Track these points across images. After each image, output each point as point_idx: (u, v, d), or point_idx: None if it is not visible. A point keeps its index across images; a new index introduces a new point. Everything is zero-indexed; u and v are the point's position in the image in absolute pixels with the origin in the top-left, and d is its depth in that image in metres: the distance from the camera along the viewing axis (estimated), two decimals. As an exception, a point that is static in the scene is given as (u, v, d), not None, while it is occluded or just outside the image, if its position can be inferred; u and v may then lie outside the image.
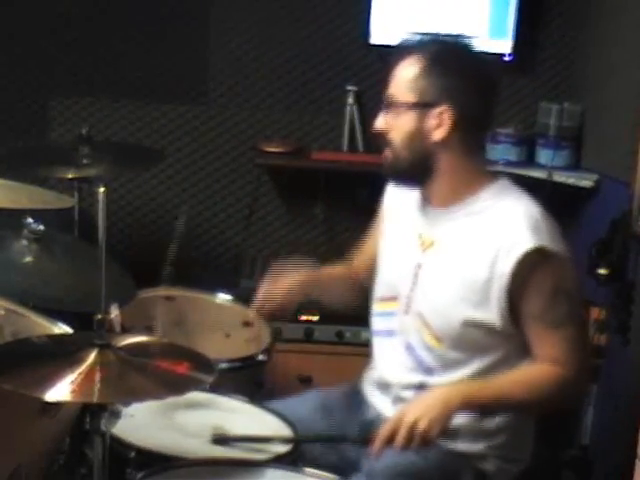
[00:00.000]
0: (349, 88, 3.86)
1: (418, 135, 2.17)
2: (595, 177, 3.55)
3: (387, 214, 2.42)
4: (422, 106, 2.16)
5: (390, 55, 2.25)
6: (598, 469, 3.19)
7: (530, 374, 2.15)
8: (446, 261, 2.20)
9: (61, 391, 1.70)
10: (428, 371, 2.22)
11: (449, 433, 2.10)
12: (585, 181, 3.57)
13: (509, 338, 2.16)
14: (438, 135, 2.16)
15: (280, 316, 2.56)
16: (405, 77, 2.18)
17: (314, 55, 3.91)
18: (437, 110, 2.15)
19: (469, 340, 2.17)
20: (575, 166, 3.73)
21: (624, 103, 3.33)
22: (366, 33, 3.80)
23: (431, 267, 2.23)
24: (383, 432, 2.05)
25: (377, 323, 2.37)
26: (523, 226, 2.12)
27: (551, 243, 2.12)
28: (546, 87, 3.91)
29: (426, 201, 2.27)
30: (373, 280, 2.40)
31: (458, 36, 2.27)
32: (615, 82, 3.48)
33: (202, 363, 1.91)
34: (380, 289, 2.36)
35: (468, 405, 2.08)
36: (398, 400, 2.27)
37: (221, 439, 2.09)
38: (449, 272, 2.18)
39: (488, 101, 2.24)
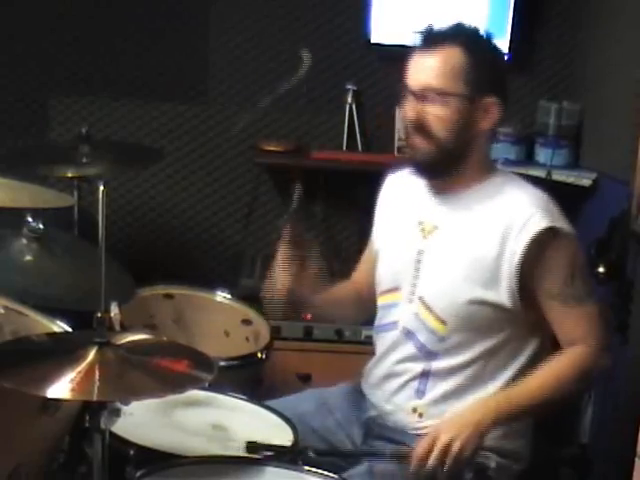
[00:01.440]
0: (349, 87, 3.87)
1: (466, 125, 2.17)
2: (594, 176, 3.55)
3: (382, 211, 2.42)
4: (474, 96, 2.15)
5: (420, 43, 2.21)
6: (597, 467, 3.20)
7: (557, 368, 2.15)
8: (451, 243, 2.20)
9: (61, 389, 1.70)
10: (430, 356, 2.22)
11: (481, 451, 2.11)
12: (584, 180, 3.57)
13: (515, 318, 2.17)
14: (485, 125, 2.18)
15: (287, 307, 2.55)
16: (451, 67, 2.15)
17: (314, 54, 3.91)
18: (486, 101, 2.16)
19: (474, 320, 2.17)
20: (574, 165, 3.73)
21: (623, 102, 3.33)
22: (366, 32, 3.80)
23: (434, 251, 2.23)
24: (418, 451, 2.06)
25: (380, 317, 2.37)
26: (533, 206, 2.14)
27: (562, 223, 2.15)
28: (545, 86, 3.91)
29: (432, 188, 2.27)
30: (374, 276, 2.40)
31: (478, 28, 2.27)
32: (614, 81, 3.48)
33: (202, 361, 1.92)
34: (382, 282, 2.36)
35: (501, 421, 2.11)
36: (399, 389, 2.27)
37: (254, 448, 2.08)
38: (454, 254, 2.19)
39: (507, 90, 2.26)
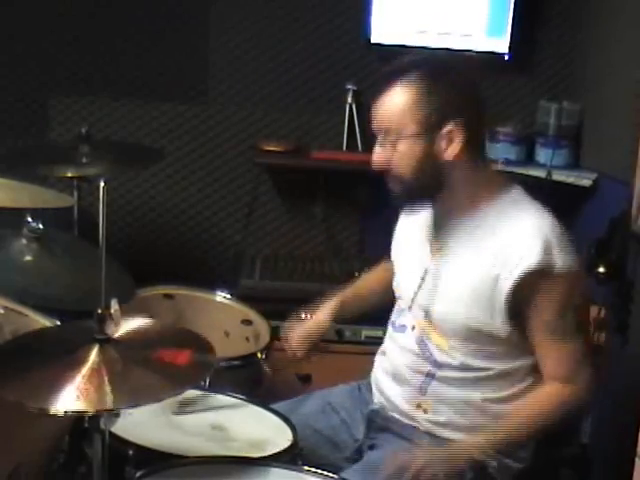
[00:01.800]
0: (349, 87, 3.87)
1: (429, 159, 2.12)
2: (594, 176, 3.55)
3: (401, 221, 2.43)
4: (428, 131, 2.10)
5: (379, 84, 2.18)
6: (598, 468, 3.20)
7: (538, 402, 2.16)
8: (452, 268, 2.19)
9: (66, 400, 1.68)
10: (437, 365, 2.22)
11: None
12: (584, 180, 3.57)
13: (515, 346, 2.17)
14: (450, 153, 2.12)
15: (315, 351, 2.57)
16: (400, 107, 2.11)
17: (314, 54, 3.92)
18: (445, 130, 2.10)
19: (474, 343, 2.17)
20: (574, 165, 3.73)
21: (623, 102, 3.33)
22: (366, 32, 3.80)
23: (437, 272, 2.22)
24: (390, 467, 2.07)
25: (394, 315, 2.39)
26: (532, 241, 2.09)
27: (559, 260, 2.09)
28: (545, 86, 3.91)
29: (438, 211, 2.25)
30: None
31: (430, 52, 2.24)
32: (614, 81, 3.48)
33: (202, 345, 1.91)
34: (396, 288, 2.38)
35: (478, 458, 2.13)
36: (404, 386, 2.28)
37: None
38: (454, 278, 2.18)
39: (481, 104, 2.21)
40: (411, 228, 2.35)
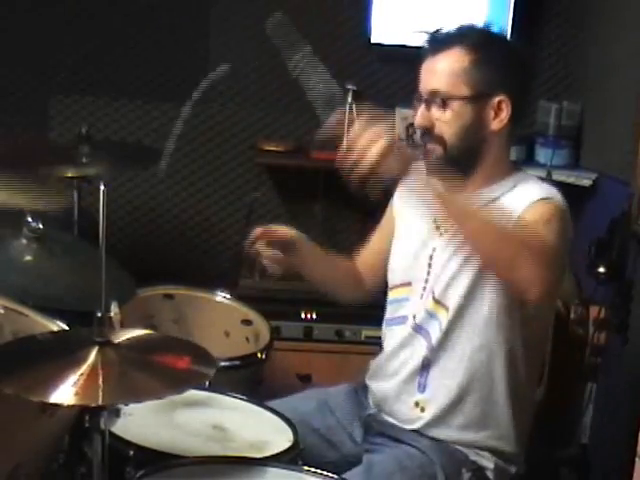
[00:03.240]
0: (349, 87, 3.86)
1: (475, 126, 2.15)
2: (594, 176, 3.55)
3: (398, 205, 2.42)
4: (479, 98, 2.13)
5: (424, 49, 2.19)
6: (597, 468, 3.20)
7: (505, 225, 2.04)
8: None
9: (64, 394, 1.69)
10: (433, 348, 2.21)
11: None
12: (584, 180, 3.57)
13: (512, 314, 2.16)
14: (497, 125, 2.15)
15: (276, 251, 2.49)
16: (455, 70, 2.13)
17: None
18: (495, 100, 2.14)
19: (474, 309, 2.17)
20: (574, 165, 3.74)
21: (623, 102, 3.33)
22: (366, 32, 3.80)
23: (445, 249, 2.22)
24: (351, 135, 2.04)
25: (391, 310, 2.37)
26: (539, 194, 2.13)
27: (561, 200, 2.13)
28: (545, 86, 3.91)
29: (445, 187, 2.25)
30: (377, 283, 2.41)
31: (487, 25, 2.25)
32: (614, 81, 3.48)
33: (202, 355, 1.91)
34: (394, 276, 2.36)
35: (440, 198, 2.01)
36: (403, 385, 2.27)
37: None
38: (463, 251, 2.16)
39: (529, 85, 2.26)
40: (411, 207, 2.33)
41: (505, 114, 2.15)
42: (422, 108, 2.18)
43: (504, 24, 3.75)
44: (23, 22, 3.84)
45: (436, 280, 2.23)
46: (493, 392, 2.21)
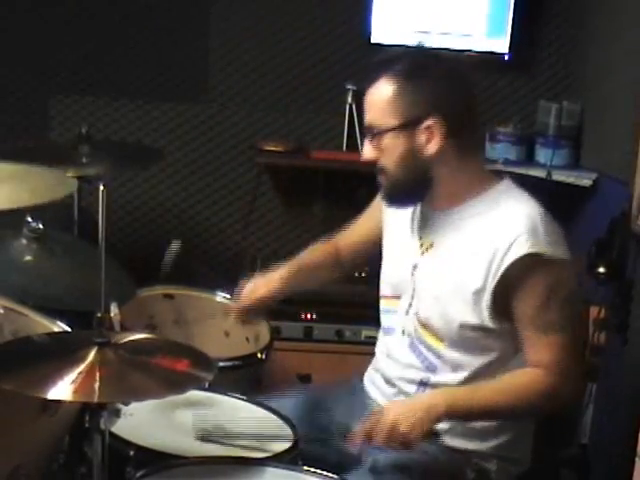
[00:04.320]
0: (349, 87, 3.87)
1: (411, 155, 2.12)
2: (594, 176, 3.55)
3: (388, 212, 2.42)
4: (408, 125, 2.10)
5: (362, 81, 2.20)
6: (597, 468, 3.20)
7: (516, 382, 2.12)
8: (442, 264, 2.19)
9: (62, 390, 1.70)
10: (431, 369, 2.22)
11: (433, 437, 2.09)
12: (584, 180, 3.57)
13: (507, 336, 2.15)
14: (432, 149, 2.11)
15: (257, 314, 2.62)
16: (381, 100, 2.11)
17: (314, 54, 3.92)
18: (424, 125, 2.09)
19: (467, 342, 2.16)
20: (574, 165, 3.74)
21: (623, 102, 3.33)
22: (366, 32, 3.80)
23: (427, 269, 2.22)
24: (363, 428, 2.04)
25: (382, 319, 2.37)
26: (521, 230, 2.08)
27: (549, 248, 2.08)
28: (545, 86, 3.91)
29: (426, 205, 2.25)
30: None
31: (418, 46, 2.24)
32: (614, 81, 3.48)
33: (202, 360, 1.92)
34: (384, 287, 2.36)
35: (452, 413, 2.07)
36: (399, 395, 2.27)
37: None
38: (445, 275, 2.17)
39: (469, 101, 2.19)
40: (399, 219, 2.34)
41: (438, 137, 2.10)
42: (366, 142, 2.18)
43: (504, 24, 3.76)
44: (23, 22, 3.84)
45: (423, 303, 2.22)
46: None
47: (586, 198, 3.58)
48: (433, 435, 2.08)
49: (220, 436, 2.12)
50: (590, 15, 3.76)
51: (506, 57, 3.78)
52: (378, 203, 2.44)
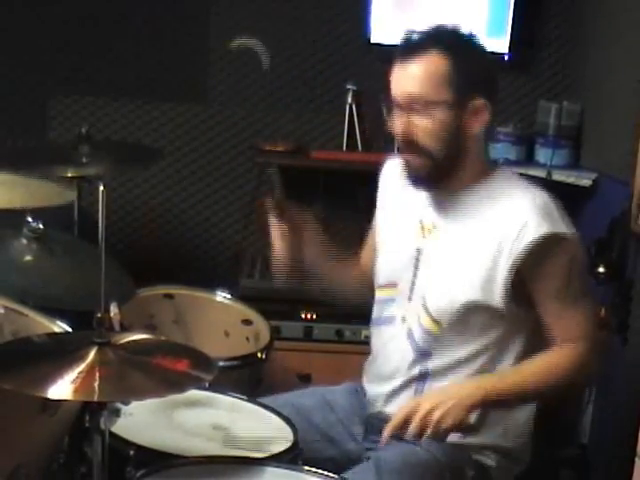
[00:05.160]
0: (349, 87, 3.87)
1: (457, 132, 2.12)
2: (594, 176, 3.55)
3: (384, 204, 2.41)
4: (462, 102, 2.10)
5: (399, 53, 2.14)
6: (597, 468, 3.20)
7: (550, 361, 2.14)
8: (449, 245, 2.19)
9: (62, 389, 1.70)
10: (426, 356, 2.21)
11: (467, 428, 2.09)
12: (584, 180, 3.57)
13: (508, 319, 2.16)
14: (476, 128, 2.13)
15: (301, 274, 2.43)
16: (435, 74, 2.09)
17: (314, 54, 3.92)
18: (474, 103, 2.11)
19: (467, 322, 2.16)
20: (574, 165, 3.73)
21: (623, 102, 3.33)
22: (366, 32, 3.80)
23: (432, 252, 2.22)
24: (397, 417, 2.04)
25: (377, 310, 2.36)
26: (534, 211, 2.11)
27: (562, 227, 2.11)
28: (545, 86, 3.91)
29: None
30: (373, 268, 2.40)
31: (458, 28, 2.22)
32: (614, 81, 3.48)
33: (202, 360, 1.92)
34: (381, 276, 2.35)
35: (487, 401, 2.08)
36: (399, 391, 2.27)
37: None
38: (452, 256, 2.18)
39: (498, 86, 2.24)
40: (396, 206, 2.34)
41: (485, 117, 2.13)
42: (402, 116, 2.13)
43: (504, 24, 3.76)
44: (23, 22, 3.84)
45: (425, 285, 2.22)
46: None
47: (586, 198, 3.58)
48: (468, 427, 2.08)
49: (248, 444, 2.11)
50: (590, 15, 3.76)
51: (506, 57, 3.78)
52: (379, 203, 2.44)
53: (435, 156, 2.13)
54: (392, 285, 2.30)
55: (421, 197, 2.26)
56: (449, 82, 2.09)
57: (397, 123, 2.14)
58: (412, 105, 2.11)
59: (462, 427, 2.05)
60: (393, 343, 2.28)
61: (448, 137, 2.12)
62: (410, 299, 2.25)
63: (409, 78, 2.11)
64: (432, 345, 2.21)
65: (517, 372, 2.15)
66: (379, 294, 2.36)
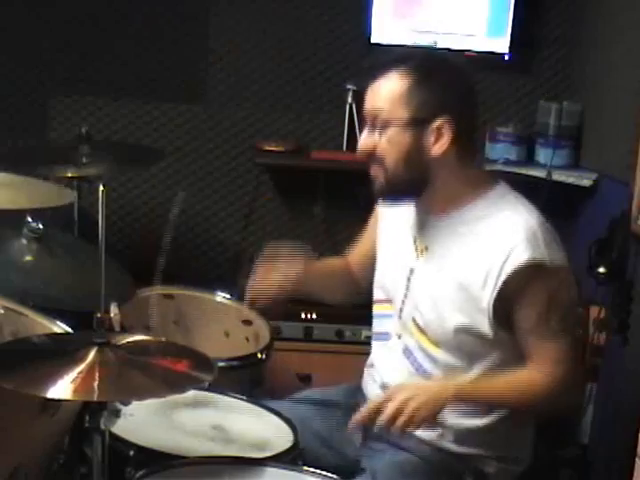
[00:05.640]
0: (349, 87, 3.86)
1: (416, 152, 2.10)
2: (594, 176, 3.55)
3: (383, 215, 2.41)
4: (418, 122, 2.08)
5: (367, 71, 2.17)
6: (598, 468, 3.20)
7: (521, 378, 2.13)
8: (439, 268, 2.17)
9: (62, 389, 1.70)
10: (425, 375, 2.21)
11: (435, 425, 2.09)
12: (584, 180, 3.57)
13: (503, 345, 2.14)
14: (438, 150, 2.10)
15: (273, 309, 2.49)
16: (393, 92, 2.09)
17: (314, 54, 3.92)
18: (435, 124, 2.08)
19: (463, 346, 2.15)
20: (574, 165, 3.73)
21: (623, 102, 3.33)
22: (366, 32, 3.80)
23: (423, 273, 2.21)
24: (370, 405, 2.03)
25: (375, 325, 2.36)
26: (519, 238, 2.07)
27: (547, 255, 2.07)
28: (545, 86, 3.91)
29: (422, 208, 2.23)
30: (370, 281, 2.38)
31: (429, 48, 2.22)
32: (614, 81, 3.48)
33: (201, 361, 1.92)
34: (377, 291, 2.35)
35: (460, 398, 2.07)
36: None
37: None
38: (441, 279, 2.16)
39: (474, 106, 2.19)
40: (394, 222, 2.33)
41: (446, 139, 2.09)
42: (365, 132, 2.16)
43: (504, 24, 3.76)
44: (23, 22, 3.84)
45: (414, 306, 2.21)
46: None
47: (586, 198, 3.58)
48: (436, 422, 2.07)
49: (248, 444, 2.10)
50: (590, 15, 3.76)
51: (506, 57, 3.78)
52: (376, 212, 2.44)
53: (390, 170, 2.12)
54: (387, 301, 2.30)
55: (416, 217, 2.25)
56: (406, 102, 2.08)
57: (361, 139, 2.17)
58: (374, 121, 2.13)
59: (432, 422, 2.04)
60: (390, 358, 2.28)
61: (403, 154, 2.10)
62: (401, 317, 2.25)
63: (372, 96, 2.14)
64: (434, 367, 2.20)
65: (491, 381, 2.14)
66: (376, 309, 2.36)
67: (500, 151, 3.70)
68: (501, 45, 3.77)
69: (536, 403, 2.14)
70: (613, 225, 3.08)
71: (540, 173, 3.59)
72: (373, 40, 3.80)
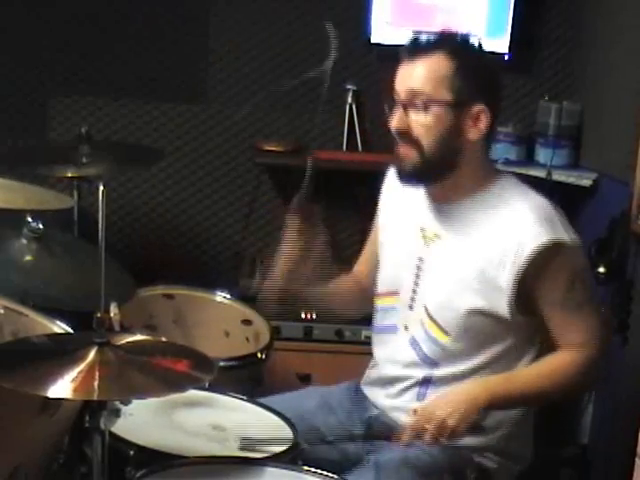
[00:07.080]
0: (349, 87, 3.87)
1: (453, 134, 2.13)
2: (594, 176, 3.55)
3: (385, 210, 2.41)
4: (461, 105, 2.11)
5: (406, 52, 2.17)
6: (597, 468, 3.20)
7: (554, 365, 2.16)
8: (452, 254, 2.19)
9: (62, 389, 1.71)
10: (433, 364, 2.22)
11: (477, 429, 2.12)
12: (584, 180, 3.57)
13: (516, 328, 2.17)
14: (474, 134, 2.14)
15: (284, 301, 2.41)
16: (440, 73, 2.11)
17: (314, 54, 3.91)
18: (475, 109, 2.12)
19: (475, 331, 2.17)
20: (574, 165, 3.73)
21: (623, 102, 3.33)
22: (366, 32, 3.80)
23: (435, 260, 2.22)
24: (412, 426, 2.07)
25: (379, 318, 2.36)
26: (536, 219, 2.11)
27: (564, 234, 2.12)
28: (545, 86, 3.91)
29: (431, 196, 2.25)
30: (374, 276, 2.39)
31: (467, 34, 2.23)
32: (614, 81, 3.48)
33: (201, 361, 1.92)
34: (382, 284, 2.35)
35: (495, 401, 2.10)
36: (400, 394, 2.27)
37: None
38: (455, 264, 2.18)
39: (502, 97, 2.25)
40: (397, 215, 2.34)
41: (484, 124, 2.13)
42: (399, 110, 2.15)
43: (504, 24, 3.76)
44: (23, 22, 3.84)
45: (428, 294, 2.22)
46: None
47: (586, 198, 3.58)
48: (477, 428, 2.11)
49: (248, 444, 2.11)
50: (590, 15, 3.76)
51: (506, 57, 3.78)
52: (377, 219, 2.44)
53: (427, 151, 2.13)
54: (393, 293, 2.31)
55: (423, 205, 2.27)
56: (451, 84, 2.11)
57: (395, 117, 2.16)
58: (412, 101, 2.13)
59: (473, 429, 2.09)
60: (396, 351, 2.28)
61: (442, 135, 2.12)
62: (411, 308, 2.25)
63: (413, 75, 2.14)
64: (440, 355, 2.21)
65: (523, 374, 2.17)
66: (380, 303, 2.36)
67: (500, 151, 3.70)
68: (501, 45, 3.76)
69: (573, 385, 2.18)
70: (613, 225, 3.09)
71: (540, 173, 3.59)
72: (373, 40, 3.80)
